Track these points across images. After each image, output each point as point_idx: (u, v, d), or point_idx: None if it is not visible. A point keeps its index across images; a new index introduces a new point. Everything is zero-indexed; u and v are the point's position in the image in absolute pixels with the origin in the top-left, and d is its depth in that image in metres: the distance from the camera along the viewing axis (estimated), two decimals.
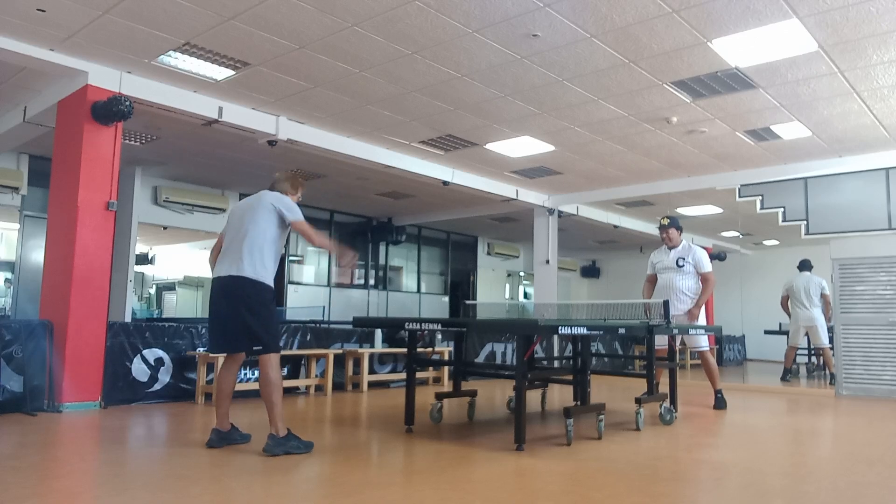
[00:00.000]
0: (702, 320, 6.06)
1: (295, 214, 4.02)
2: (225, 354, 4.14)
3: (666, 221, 6.29)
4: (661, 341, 6.01)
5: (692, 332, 5.91)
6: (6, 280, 10.48)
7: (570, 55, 5.49)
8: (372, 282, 13.72)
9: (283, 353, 6.84)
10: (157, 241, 13.52)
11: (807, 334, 9.49)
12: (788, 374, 9.57)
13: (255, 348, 3.83)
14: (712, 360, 6.22)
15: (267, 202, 3.97)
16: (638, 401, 4.95)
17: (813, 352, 10.91)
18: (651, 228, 13.40)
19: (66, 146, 5.93)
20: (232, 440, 4.02)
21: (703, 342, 6.17)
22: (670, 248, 6.25)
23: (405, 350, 5.05)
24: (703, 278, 6.13)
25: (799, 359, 10.89)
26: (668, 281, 6.18)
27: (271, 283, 3.99)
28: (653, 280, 6.41)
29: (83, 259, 5.58)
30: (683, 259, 6.16)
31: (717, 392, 6.21)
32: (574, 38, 5.18)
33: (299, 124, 7.42)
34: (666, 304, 5.37)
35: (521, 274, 17.14)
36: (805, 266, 9.48)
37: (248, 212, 3.98)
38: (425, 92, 6.41)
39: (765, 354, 13.85)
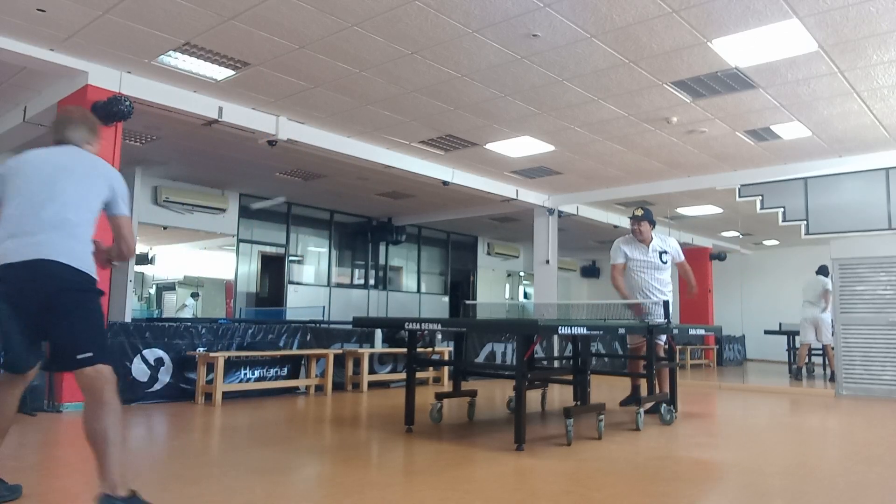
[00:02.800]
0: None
1: (127, 208, 2.98)
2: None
3: (640, 213, 5.88)
4: (635, 340, 5.96)
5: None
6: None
7: (570, 55, 5.49)
8: (372, 282, 13.73)
9: (283, 353, 6.90)
10: (157, 241, 13.52)
11: (816, 331, 9.55)
12: (799, 371, 9.58)
13: (78, 357, 2.60)
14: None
15: (105, 173, 2.88)
16: (638, 401, 4.95)
17: (814, 351, 10.92)
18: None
19: None
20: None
21: (662, 337, 5.79)
22: (641, 242, 5.88)
23: (405, 350, 5.05)
24: (682, 266, 6.01)
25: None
26: (643, 279, 5.85)
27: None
28: (621, 271, 6.01)
29: None
30: (666, 253, 5.89)
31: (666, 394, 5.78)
32: (574, 38, 5.18)
33: (299, 124, 7.42)
34: (666, 304, 5.37)
35: (521, 274, 17.13)
36: (821, 271, 9.53)
37: (63, 173, 2.78)
38: (425, 92, 6.41)
39: (765, 354, 13.84)
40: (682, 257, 6.02)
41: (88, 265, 2.80)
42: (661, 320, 5.24)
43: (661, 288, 5.86)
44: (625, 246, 6.01)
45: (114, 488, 2.43)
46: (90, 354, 2.60)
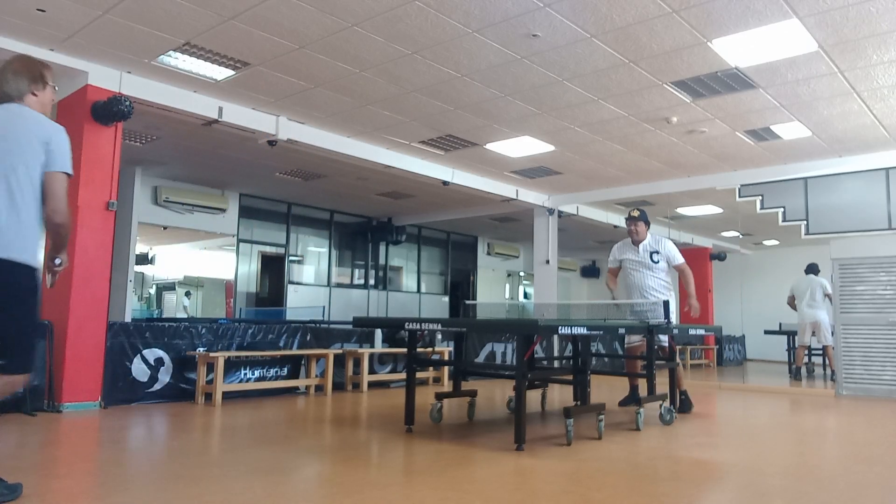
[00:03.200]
0: (673, 317, 5.77)
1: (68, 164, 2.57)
2: None
3: (637, 213, 5.92)
4: (633, 340, 5.96)
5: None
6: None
7: (570, 55, 5.49)
8: (372, 282, 13.73)
9: (283, 353, 6.89)
10: (157, 241, 13.51)
11: (814, 333, 9.55)
12: (798, 372, 9.59)
13: None
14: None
15: (35, 129, 2.56)
16: (638, 401, 4.94)
17: (814, 351, 10.93)
18: (651, 228, 13.39)
19: None
20: None
21: (665, 338, 5.82)
22: (636, 243, 5.93)
23: (405, 350, 5.05)
24: (680, 269, 5.95)
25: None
26: (639, 279, 5.89)
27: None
28: (616, 273, 6.14)
29: (83, 259, 5.58)
30: (657, 253, 5.88)
31: (682, 393, 5.90)
32: (574, 38, 5.18)
33: (299, 124, 7.42)
34: (666, 304, 5.37)
35: (521, 274, 17.13)
36: (811, 269, 9.54)
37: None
38: (425, 92, 6.41)
39: (765, 354, 13.84)
40: (679, 260, 5.96)
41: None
42: (661, 320, 5.23)
43: (655, 288, 5.86)
44: (617, 248, 6.16)
45: None
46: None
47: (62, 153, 2.55)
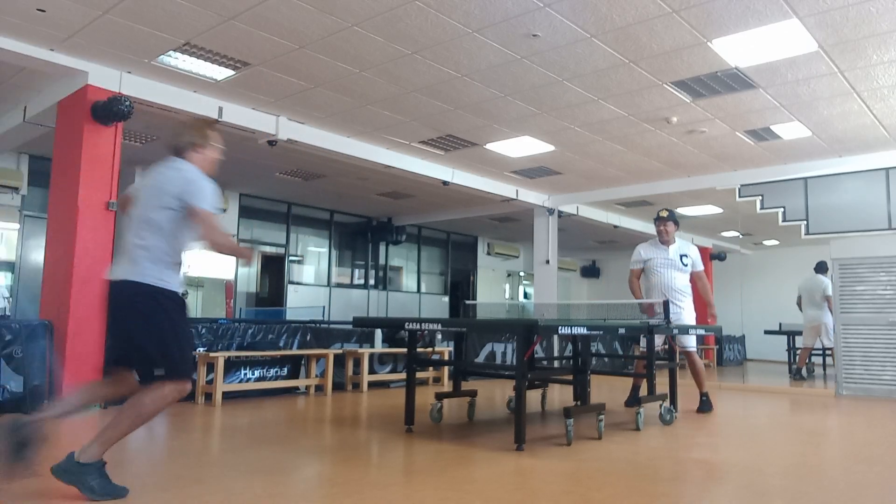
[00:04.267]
0: (691, 319, 5.90)
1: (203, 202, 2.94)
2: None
3: (665, 214, 5.98)
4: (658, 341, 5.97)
5: (690, 331, 5.79)
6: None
7: (570, 55, 5.49)
8: (372, 282, 13.73)
9: (283, 353, 6.89)
10: None
11: (819, 335, 9.54)
12: (799, 373, 9.55)
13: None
14: (699, 361, 6.02)
15: (175, 178, 2.99)
16: (638, 401, 4.94)
17: (814, 352, 10.93)
18: (651, 228, 13.37)
19: (66, 146, 5.93)
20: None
21: (692, 341, 5.95)
22: (664, 244, 5.95)
23: (405, 350, 5.04)
24: (698, 276, 6.02)
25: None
26: (667, 279, 5.89)
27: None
28: (639, 275, 6.09)
29: (83, 259, 5.58)
30: (686, 256, 5.93)
31: (703, 395, 5.94)
32: (574, 38, 5.18)
33: (299, 124, 7.42)
34: (666, 303, 5.37)
35: (521, 274, 17.14)
36: (819, 268, 9.52)
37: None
38: (425, 92, 6.41)
39: (765, 354, 13.86)
40: (701, 267, 6.01)
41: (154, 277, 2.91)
42: (686, 322, 5.28)
43: (682, 289, 5.89)
44: (643, 249, 6.10)
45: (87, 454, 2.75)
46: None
47: (201, 196, 2.91)
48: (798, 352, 10.02)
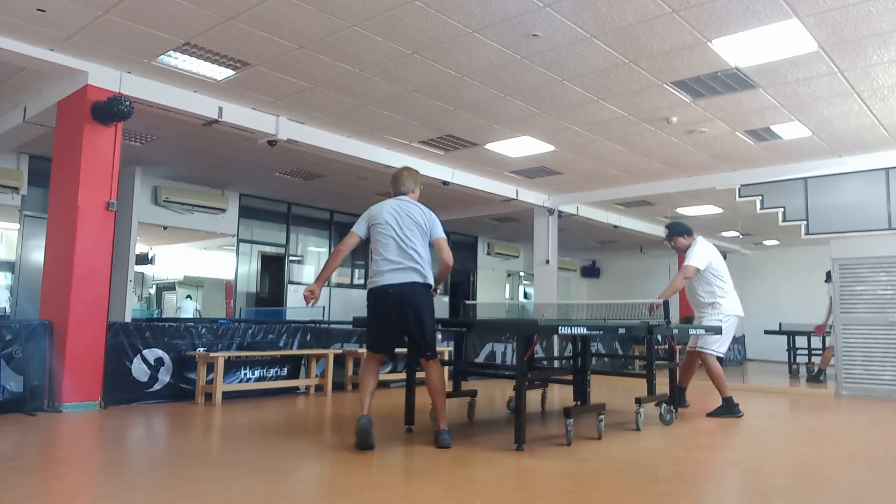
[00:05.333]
0: (713, 320, 5.62)
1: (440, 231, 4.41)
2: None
3: (666, 232, 5.98)
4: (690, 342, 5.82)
5: (699, 331, 5.57)
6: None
7: (570, 55, 5.49)
8: None
9: (283, 353, 6.90)
10: (157, 241, 13.51)
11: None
12: (822, 374, 9.45)
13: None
14: (715, 365, 5.69)
15: (419, 213, 4.34)
16: (638, 401, 4.95)
17: (814, 351, 10.94)
18: (651, 228, 13.41)
19: (66, 146, 5.93)
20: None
21: (708, 342, 5.66)
22: (683, 253, 5.86)
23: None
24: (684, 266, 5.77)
25: (799, 359, 10.92)
26: (689, 289, 5.82)
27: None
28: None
29: (83, 259, 5.58)
30: (686, 258, 5.79)
31: (725, 400, 5.66)
32: (574, 38, 5.18)
33: (299, 124, 7.42)
34: (666, 304, 5.37)
35: (521, 274, 17.13)
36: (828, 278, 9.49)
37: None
38: (425, 92, 6.41)
39: (765, 354, 13.86)
40: (689, 261, 5.72)
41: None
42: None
43: (700, 296, 5.74)
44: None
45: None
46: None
47: (438, 225, 4.30)
48: (823, 352, 9.87)
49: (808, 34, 5.02)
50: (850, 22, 4.84)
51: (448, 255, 4.24)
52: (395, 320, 4.07)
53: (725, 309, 5.67)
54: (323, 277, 4.26)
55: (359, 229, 4.24)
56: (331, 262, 4.27)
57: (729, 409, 5.65)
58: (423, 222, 4.21)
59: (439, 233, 4.26)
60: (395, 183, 4.41)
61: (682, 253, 5.94)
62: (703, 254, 5.73)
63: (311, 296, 4.19)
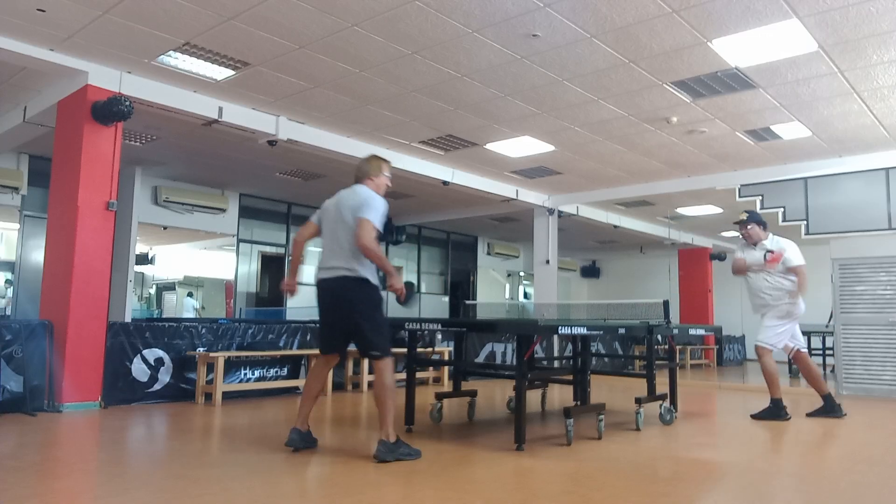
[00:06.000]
0: (778, 318, 5.51)
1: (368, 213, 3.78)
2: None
3: (744, 216, 5.66)
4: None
5: (766, 326, 5.46)
6: (7, 281, 10.49)
7: (570, 55, 5.49)
8: None
9: (283, 353, 6.90)
10: (157, 241, 13.51)
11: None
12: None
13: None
14: (770, 363, 5.57)
15: (353, 199, 3.90)
16: (638, 401, 4.94)
17: (814, 351, 10.91)
18: (651, 228, 13.41)
19: (66, 146, 5.93)
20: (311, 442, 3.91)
21: (764, 335, 5.52)
22: (754, 245, 5.63)
23: (405, 350, 5.05)
24: (794, 272, 5.46)
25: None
26: (755, 281, 5.59)
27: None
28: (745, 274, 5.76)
29: (83, 259, 5.58)
30: (770, 253, 5.53)
31: (774, 401, 5.55)
32: (574, 38, 5.18)
33: (299, 124, 7.42)
34: (666, 303, 5.37)
35: (521, 274, 17.13)
36: None
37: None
38: (425, 92, 6.41)
39: None
40: (793, 263, 5.45)
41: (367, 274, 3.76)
42: (769, 321, 5.16)
43: (768, 291, 5.52)
44: (738, 248, 5.86)
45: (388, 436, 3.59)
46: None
47: (366, 207, 3.72)
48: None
49: (808, 34, 5.02)
50: (850, 22, 4.84)
51: (361, 235, 3.63)
52: (333, 319, 3.83)
53: (799, 308, 5.55)
54: (293, 270, 4.01)
55: (314, 217, 4.05)
56: (293, 254, 4.10)
57: (776, 412, 5.51)
58: (357, 207, 3.73)
59: (363, 213, 3.68)
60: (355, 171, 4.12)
61: (750, 241, 5.63)
62: (799, 251, 5.57)
63: (288, 288, 4.00)
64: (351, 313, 3.71)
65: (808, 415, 5.57)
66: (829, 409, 5.61)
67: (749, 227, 5.62)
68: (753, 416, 5.57)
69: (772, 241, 5.60)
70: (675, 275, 15.40)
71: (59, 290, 5.61)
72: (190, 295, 12.57)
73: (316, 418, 5.37)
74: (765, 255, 5.53)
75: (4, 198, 8.48)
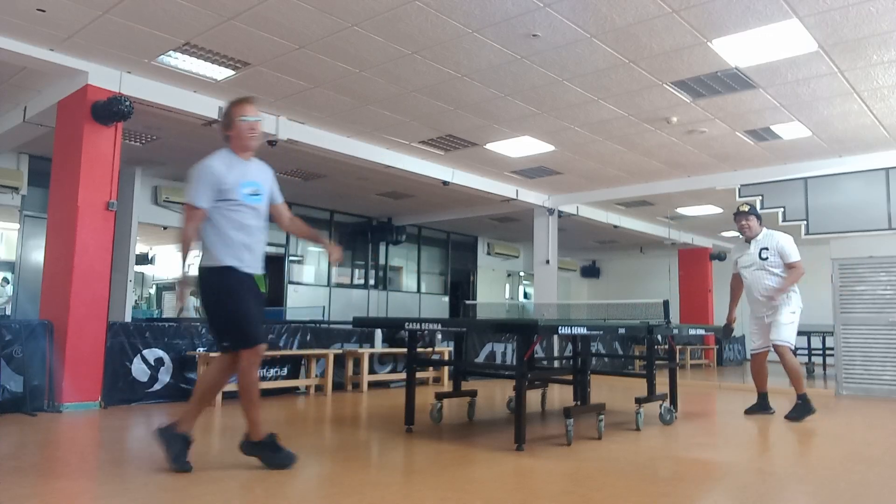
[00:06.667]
0: (783, 317, 5.39)
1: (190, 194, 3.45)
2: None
3: (746, 208, 5.56)
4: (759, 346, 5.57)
5: (783, 324, 5.34)
6: (3, 279, 10.51)
7: (570, 55, 5.49)
8: (372, 282, 13.72)
9: (283, 353, 6.90)
10: (157, 241, 13.52)
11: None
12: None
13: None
14: (791, 359, 5.40)
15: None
16: (638, 401, 4.94)
17: (814, 351, 10.93)
18: (651, 228, 13.41)
19: (66, 146, 5.93)
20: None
21: (784, 334, 5.35)
22: (748, 240, 5.57)
23: (405, 350, 5.05)
24: (790, 268, 5.39)
25: (799, 359, 10.91)
26: (754, 280, 5.49)
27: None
28: (737, 282, 5.74)
29: (83, 259, 5.58)
30: (766, 250, 5.45)
31: (801, 397, 5.41)
32: (574, 38, 5.18)
33: (299, 124, 7.42)
34: (666, 303, 5.37)
35: (521, 274, 17.13)
36: None
37: None
38: (425, 92, 6.41)
39: None
40: (792, 259, 5.40)
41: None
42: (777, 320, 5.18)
43: (769, 289, 5.40)
44: (734, 251, 5.81)
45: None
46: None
47: (188, 186, 3.45)
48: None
49: (808, 34, 5.02)
50: (850, 22, 4.84)
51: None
52: None
53: (798, 299, 5.50)
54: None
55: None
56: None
57: (806, 407, 5.39)
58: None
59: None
60: None
61: (746, 235, 5.58)
62: (796, 247, 5.52)
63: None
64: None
65: (787, 417, 5.47)
66: (763, 407, 5.71)
67: (747, 220, 5.59)
68: (787, 417, 5.42)
69: (765, 236, 5.58)
70: (675, 275, 15.41)
71: (59, 290, 5.61)
72: (191, 294, 12.56)
73: (316, 418, 5.37)
74: (760, 253, 5.50)
75: (4, 198, 8.47)
